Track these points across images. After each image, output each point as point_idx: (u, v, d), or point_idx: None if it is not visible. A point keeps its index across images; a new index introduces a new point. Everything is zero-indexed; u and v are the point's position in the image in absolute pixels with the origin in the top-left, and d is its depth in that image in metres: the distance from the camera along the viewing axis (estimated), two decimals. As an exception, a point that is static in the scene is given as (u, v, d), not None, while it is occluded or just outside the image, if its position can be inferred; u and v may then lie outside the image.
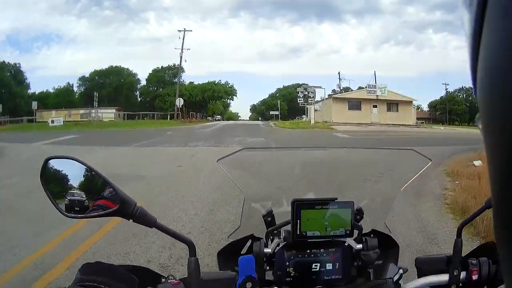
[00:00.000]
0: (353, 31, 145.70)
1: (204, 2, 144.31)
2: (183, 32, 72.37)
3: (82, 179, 1.26)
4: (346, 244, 1.66)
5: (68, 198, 1.25)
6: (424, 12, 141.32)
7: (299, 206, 1.53)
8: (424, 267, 1.65)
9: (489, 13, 0.40)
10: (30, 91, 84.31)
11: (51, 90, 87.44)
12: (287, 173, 2.39)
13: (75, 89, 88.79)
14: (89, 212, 1.24)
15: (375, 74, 70.71)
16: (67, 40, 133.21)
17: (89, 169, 1.24)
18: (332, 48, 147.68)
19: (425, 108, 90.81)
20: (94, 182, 1.27)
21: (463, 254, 1.64)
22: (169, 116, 69.37)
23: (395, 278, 1.58)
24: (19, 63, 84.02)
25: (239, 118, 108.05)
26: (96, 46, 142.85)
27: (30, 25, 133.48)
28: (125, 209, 1.19)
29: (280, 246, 1.63)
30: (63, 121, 50.16)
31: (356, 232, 1.64)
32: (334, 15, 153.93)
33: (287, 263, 1.60)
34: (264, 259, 1.60)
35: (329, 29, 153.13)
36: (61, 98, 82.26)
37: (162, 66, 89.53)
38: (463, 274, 1.59)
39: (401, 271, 1.59)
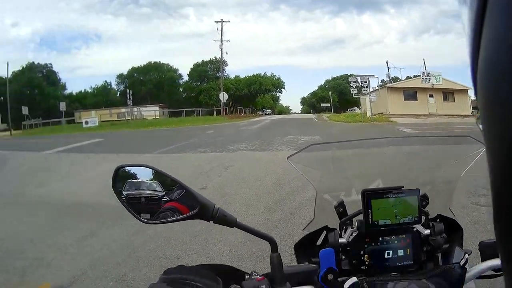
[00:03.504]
0: (393, 21, 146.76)
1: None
2: (220, 23, 68.67)
3: (155, 184, 1.29)
4: (415, 230, 1.62)
5: (143, 204, 1.28)
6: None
7: (369, 196, 1.52)
8: (488, 251, 1.55)
9: (489, 14, 0.40)
10: (67, 91, 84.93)
11: (89, 90, 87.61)
12: (354, 164, 2.11)
13: (114, 87, 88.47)
14: (164, 216, 1.26)
15: (424, 62, 66.06)
16: (106, 38, 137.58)
17: (162, 175, 1.28)
18: (375, 38, 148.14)
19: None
20: (168, 188, 1.28)
21: None
22: (215, 112, 66.45)
23: (462, 262, 1.54)
24: (50, 64, 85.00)
25: (291, 112, 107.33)
26: (136, 43, 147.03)
27: (65, 25, 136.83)
28: (205, 211, 1.23)
29: (354, 235, 1.60)
30: (98, 122, 47.78)
31: (423, 218, 1.61)
32: (373, 5, 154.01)
33: (362, 251, 1.58)
34: (340, 249, 1.58)
35: (370, 19, 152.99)
36: (100, 98, 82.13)
37: (203, 60, 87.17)
38: None
39: (466, 255, 1.55)
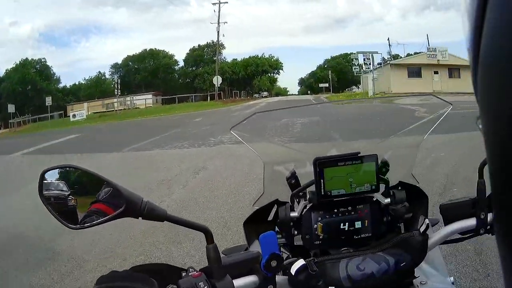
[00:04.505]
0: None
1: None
2: (218, 4, 65.80)
3: (83, 185, 1.24)
4: (374, 200, 1.58)
5: (71, 209, 1.20)
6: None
7: (321, 164, 1.48)
8: (450, 213, 1.56)
9: (489, 14, 0.40)
10: (61, 85, 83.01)
11: (83, 82, 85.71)
12: (306, 131, 1.51)
13: (108, 77, 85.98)
14: (89, 218, 1.16)
15: (427, 38, 63.71)
16: (106, 30, 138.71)
17: (88, 174, 1.19)
18: (376, 16, 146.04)
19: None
20: (96, 187, 1.19)
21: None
22: (209, 97, 64.66)
23: (422, 229, 1.49)
24: (44, 58, 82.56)
25: (288, 93, 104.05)
26: (136, 33, 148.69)
27: (65, 20, 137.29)
28: (132, 208, 1.12)
29: (307, 208, 1.55)
30: (87, 114, 47.47)
31: (383, 186, 1.59)
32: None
33: (315, 225, 1.53)
34: (292, 223, 1.53)
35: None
36: (93, 89, 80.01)
37: (199, 45, 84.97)
38: (490, 216, 1.51)
39: (427, 221, 1.50)
